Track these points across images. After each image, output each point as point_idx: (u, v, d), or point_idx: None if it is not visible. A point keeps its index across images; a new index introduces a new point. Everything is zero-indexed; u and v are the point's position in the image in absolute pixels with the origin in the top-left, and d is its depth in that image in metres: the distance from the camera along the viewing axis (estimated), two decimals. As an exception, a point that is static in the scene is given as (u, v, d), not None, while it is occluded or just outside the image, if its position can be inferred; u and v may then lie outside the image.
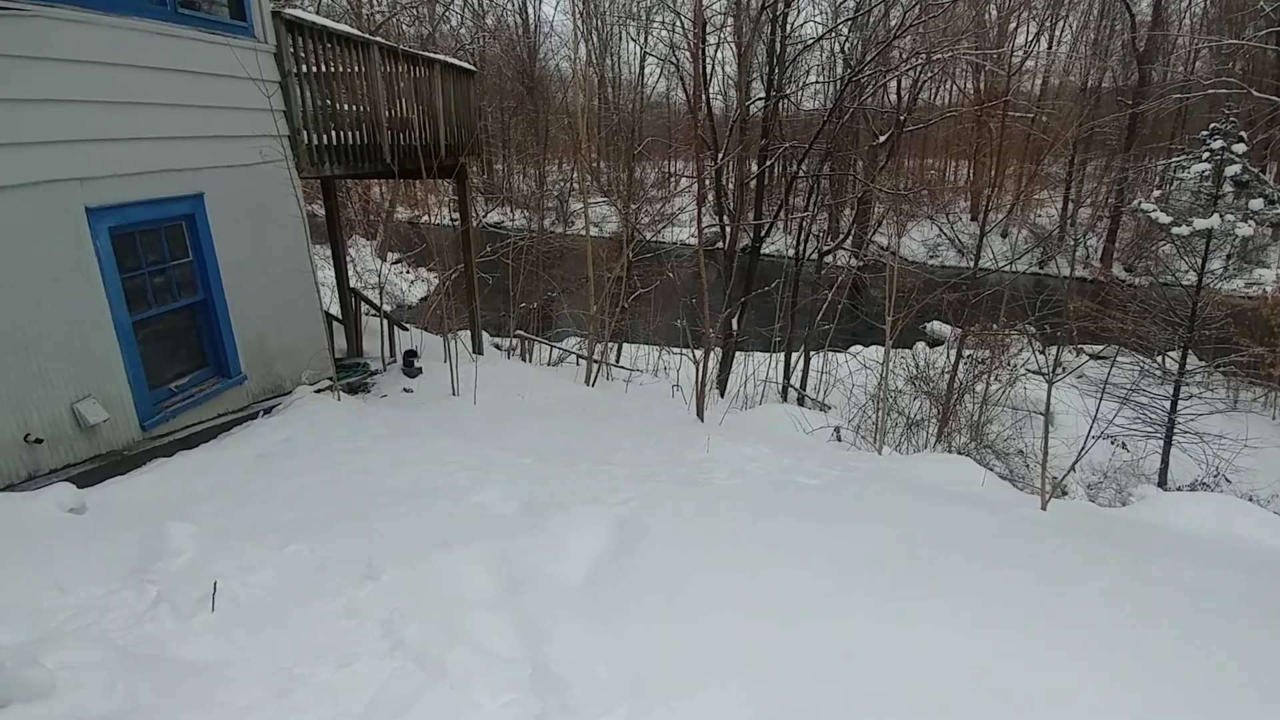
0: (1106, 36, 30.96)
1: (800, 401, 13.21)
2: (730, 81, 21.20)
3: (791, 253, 15.62)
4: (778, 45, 14.60)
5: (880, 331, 9.37)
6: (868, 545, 3.66)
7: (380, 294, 8.59)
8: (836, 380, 13.74)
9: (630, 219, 14.38)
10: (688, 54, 19.06)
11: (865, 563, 3.42)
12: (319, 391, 6.24)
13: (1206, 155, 10.79)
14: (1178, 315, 10.68)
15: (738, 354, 14.29)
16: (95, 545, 3.49)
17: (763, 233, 15.27)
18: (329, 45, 6.56)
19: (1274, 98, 17.83)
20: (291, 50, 6.08)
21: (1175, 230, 10.88)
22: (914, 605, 2.99)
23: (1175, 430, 10.29)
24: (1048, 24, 31.08)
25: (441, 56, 8.40)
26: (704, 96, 16.57)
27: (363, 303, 8.81)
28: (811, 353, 14.42)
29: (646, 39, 31.01)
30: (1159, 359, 11.46)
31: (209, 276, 5.57)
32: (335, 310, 8.67)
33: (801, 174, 16.24)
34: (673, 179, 29.10)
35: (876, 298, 13.45)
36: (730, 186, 16.99)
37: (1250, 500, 8.78)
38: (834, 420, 9.57)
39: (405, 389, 7.24)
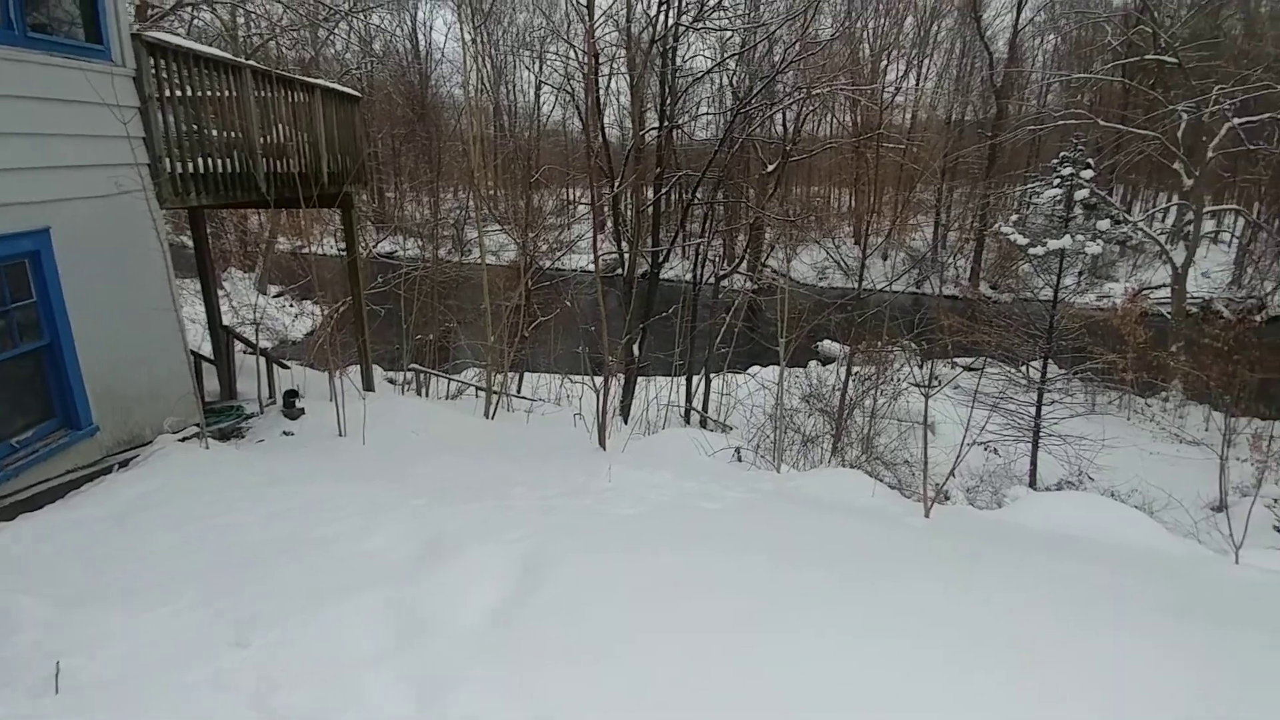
0: (967, 73, 33.83)
1: (703, 424, 13.42)
2: (625, 111, 21.65)
3: (689, 278, 15.96)
4: (669, 77, 15.02)
5: (776, 352, 9.67)
6: (769, 564, 3.71)
7: (256, 330, 8.07)
8: (737, 401, 14.06)
9: (528, 247, 14.28)
10: (582, 83, 19.30)
11: (767, 584, 3.46)
12: (184, 440, 5.76)
13: (1058, 181, 11.87)
14: (1038, 328, 11.63)
15: (640, 379, 14.38)
16: (-79, 628, 3.05)
17: (660, 259, 15.53)
18: (195, 69, 6.18)
19: (1119, 126, 19.94)
20: (154, 74, 5.70)
21: (1032, 251, 11.88)
22: (818, 623, 3.06)
23: (1041, 434, 11.14)
24: (915, 62, 33.66)
25: (322, 81, 8.09)
26: (599, 126, 16.81)
27: (237, 341, 8.26)
28: (712, 375, 14.71)
29: (541, 68, 31.22)
30: (1024, 368, 12.41)
31: (55, 319, 5.05)
32: (207, 349, 8.08)
33: (696, 201, 16.67)
34: (571, 207, 29.22)
35: (771, 319, 13.91)
36: (628, 214, 17.26)
37: (1111, 496, 9.63)
38: (735, 441, 9.77)
39: (285, 432, 6.79)
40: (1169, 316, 17.44)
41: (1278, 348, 13.13)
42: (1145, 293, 19.16)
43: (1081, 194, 11.67)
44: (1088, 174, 11.66)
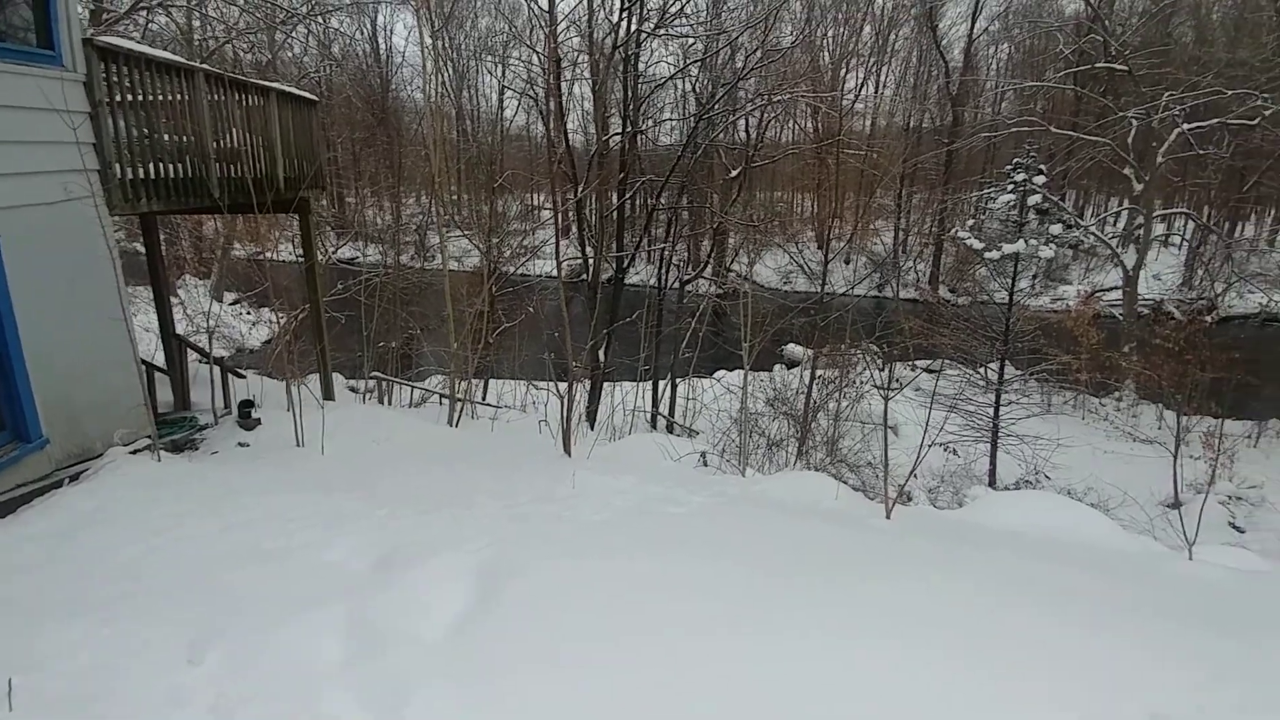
0: (924, 81, 34.58)
1: (669, 429, 13.44)
2: (589, 117, 21.67)
3: (654, 282, 16.01)
4: (631, 83, 15.09)
5: (741, 356, 9.75)
6: (740, 567, 3.74)
7: (210, 339, 7.87)
8: (703, 406, 14.12)
9: (491, 252, 14.19)
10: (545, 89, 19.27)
11: (743, 587, 3.48)
12: (136, 452, 5.61)
13: (1011, 187, 12.16)
14: (995, 330, 11.90)
15: (606, 384, 14.37)
16: None
17: (625, 264, 15.55)
18: (148, 73, 6.04)
19: (1071, 133, 20.55)
20: (105, 79, 5.58)
21: (988, 255, 12.17)
22: (800, 625, 3.10)
23: (1000, 434, 11.40)
24: (873, 70, 34.31)
25: (277, 84, 7.95)
26: (563, 131, 16.81)
27: (191, 350, 8.05)
28: (677, 380, 14.76)
29: (504, 73, 31.08)
30: (982, 370, 12.69)
31: (4, 328, 4.90)
32: (160, 359, 7.86)
33: (660, 206, 16.75)
34: (535, 212, 29.12)
35: (736, 324, 14.05)
36: (593, 219, 17.26)
37: (1068, 494, 9.87)
38: (700, 445, 9.80)
39: (240, 443, 6.63)
40: (1121, 318, 17.99)
41: (1228, 347, 13.54)
42: (1098, 295, 19.73)
43: (1034, 199, 11.98)
44: (1040, 180, 11.98)
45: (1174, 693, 2.65)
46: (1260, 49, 18.81)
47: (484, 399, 12.96)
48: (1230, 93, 16.11)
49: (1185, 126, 16.44)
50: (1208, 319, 16.03)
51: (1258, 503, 10.89)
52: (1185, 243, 28.00)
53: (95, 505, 4.75)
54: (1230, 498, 11.07)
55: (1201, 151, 17.95)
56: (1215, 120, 17.09)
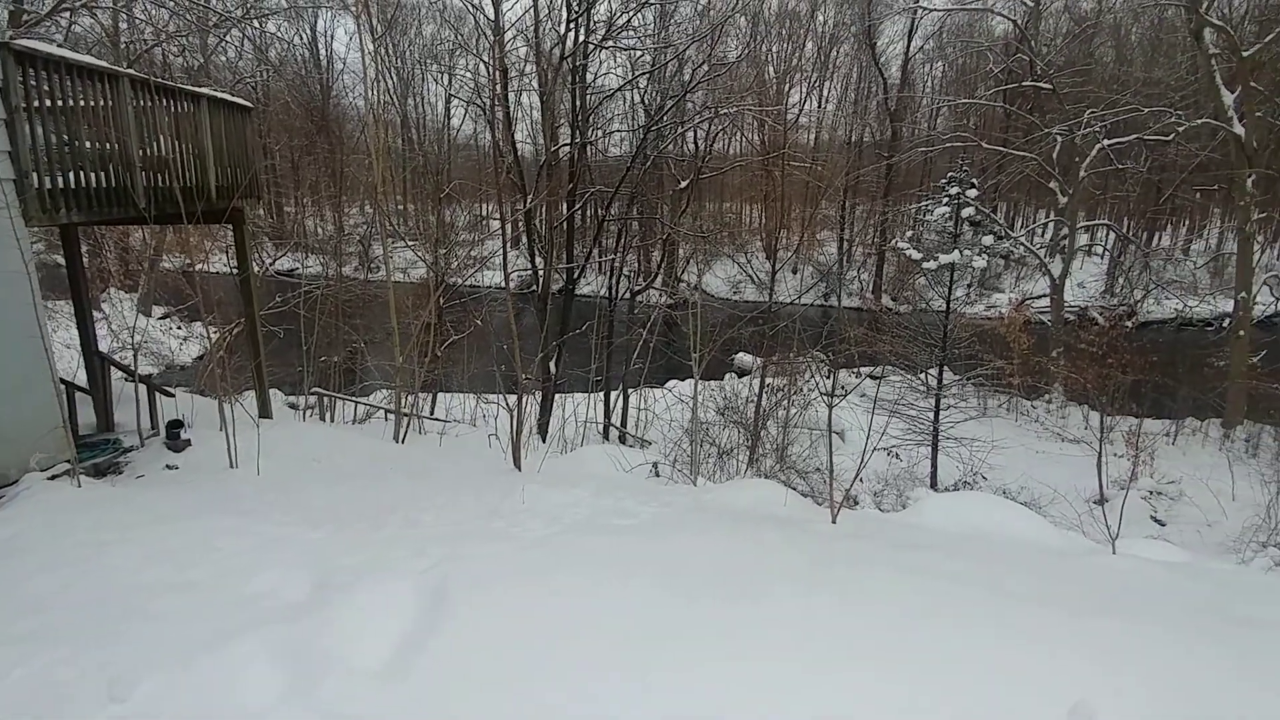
0: (865, 97, 35.61)
1: (621, 439, 13.42)
2: (538, 127, 21.57)
3: (605, 293, 16.01)
4: (577, 94, 15.10)
5: (692, 365, 9.80)
6: (683, 578, 3.73)
7: (135, 355, 7.52)
8: (654, 416, 14.15)
9: (438, 263, 13.98)
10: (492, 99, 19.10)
11: (678, 600, 3.47)
12: (54, 478, 5.31)
13: (946, 200, 12.57)
14: (933, 337, 12.27)
15: (557, 396, 14.27)
16: None
17: (575, 274, 15.50)
18: (69, 78, 5.77)
19: (1000, 148, 21.44)
20: (22, 84, 5.30)
21: (926, 265, 12.55)
22: (730, 630, 3.11)
23: (940, 437, 11.74)
24: (816, 85, 35.17)
25: (208, 90, 7.68)
26: (511, 141, 16.70)
27: (115, 368, 7.68)
28: (629, 390, 14.76)
29: (451, 81, 30.73)
30: (922, 375, 13.06)
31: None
32: (82, 378, 7.47)
33: (610, 217, 16.77)
34: (484, 222, 28.83)
35: (686, 333, 14.15)
36: (542, 229, 17.18)
37: (1003, 493, 10.22)
38: (652, 455, 9.81)
39: (168, 465, 6.33)
40: (1049, 324, 18.78)
41: (1147, 351, 14.28)
42: (1028, 303, 20.58)
43: (968, 212, 12.40)
44: (973, 193, 12.42)
45: (1093, 680, 2.74)
46: (1175, 68, 19.98)
47: (432, 413, 12.71)
48: (1147, 110, 17.05)
49: (1106, 142, 17.32)
50: (1128, 324, 16.86)
51: (1176, 497, 11.47)
52: (1107, 252, 29.45)
53: (10, 534, 4.46)
54: (1152, 493, 11.63)
55: (1121, 166, 18.92)
56: (1133, 136, 18.03)
